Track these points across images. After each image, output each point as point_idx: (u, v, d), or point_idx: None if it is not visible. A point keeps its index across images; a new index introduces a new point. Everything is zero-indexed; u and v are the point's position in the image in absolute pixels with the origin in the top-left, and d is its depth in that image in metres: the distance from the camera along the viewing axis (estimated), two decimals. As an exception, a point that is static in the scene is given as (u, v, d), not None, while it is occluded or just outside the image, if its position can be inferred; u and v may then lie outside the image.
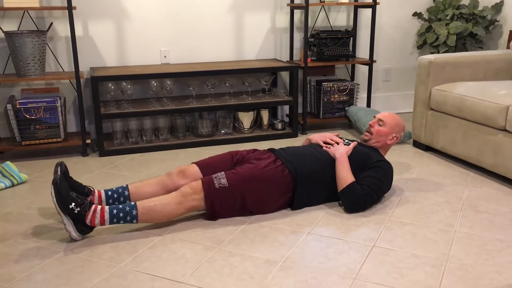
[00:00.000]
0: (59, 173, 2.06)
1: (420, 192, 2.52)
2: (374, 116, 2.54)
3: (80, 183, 2.19)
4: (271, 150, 2.44)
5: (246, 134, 3.49)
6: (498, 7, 3.85)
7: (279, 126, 3.61)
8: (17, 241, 2.03)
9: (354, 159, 2.34)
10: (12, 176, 2.68)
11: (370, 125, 2.50)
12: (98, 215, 1.97)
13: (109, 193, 2.21)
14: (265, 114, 3.57)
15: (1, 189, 2.60)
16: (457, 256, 1.90)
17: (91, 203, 2.00)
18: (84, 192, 2.16)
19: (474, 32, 3.78)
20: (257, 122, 3.59)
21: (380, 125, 2.48)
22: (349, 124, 3.93)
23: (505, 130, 2.58)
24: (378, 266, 1.83)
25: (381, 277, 1.76)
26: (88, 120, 3.47)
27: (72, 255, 1.92)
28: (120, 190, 2.22)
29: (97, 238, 2.05)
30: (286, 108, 3.93)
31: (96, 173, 2.83)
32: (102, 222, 1.98)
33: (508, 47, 3.60)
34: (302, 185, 2.28)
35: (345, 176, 2.27)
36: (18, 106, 2.96)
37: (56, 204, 1.94)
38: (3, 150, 3.06)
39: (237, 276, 1.77)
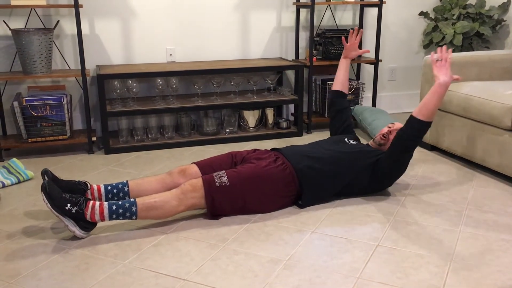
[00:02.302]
0: (46, 179, 2.07)
1: (425, 192, 2.52)
2: (392, 124, 2.55)
3: (74, 181, 2.18)
4: (275, 149, 2.45)
5: (251, 132, 3.50)
6: (505, 7, 3.83)
7: (284, 125, 3.61)
8: (22, 238, 2.05)
9: (363, 160, 2.35)
10: (18, 173, 2.70)
11: (390, 131, 2.50)
12: (97, 211, 1.98)
13: (109, 188, 2.22)
14: (270, 113, 3.57)
15: (7, 186, 2.62)
16: (462, 256, 1.89)
17: (87, 199, 2.00)
18: (80, 189, 2.16)
19: (481, 31, 3.77)
20: (262, 121, 3.59)
21: None
22: (355, 123, 3.92)
23: (511, 130, 2.57)
24: (382, 265, 1.83)
25: (385, 276, 1.76)
26: (94, 118, 3.49)
27: (77, 252, 1.93)
28: (120, 186, 2.23)
29: (102, 236, 2.06)
30: (291, 107, 3.93)
31: (101, 171, 2.85)
32: (102, 218, 1.99)
33: (515, 47, 3.59)
34: (308, 184, 2.29)
35: (428, 105, 2.20)
36: (24, 104, 2.98)
37: (52, 209, 1.94)
38: (10, 147, 3.08)
39: (241, 274, 1.77)
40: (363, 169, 2.36)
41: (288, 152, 2.37)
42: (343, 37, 2.86)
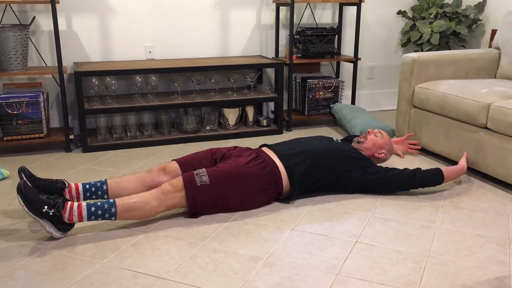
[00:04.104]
0: (24, 178, 2.03)
1: (403, 189, 2.55)
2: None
3: (51, 179, 2.15)
4: (264, 145, 2.49)
5: (231, 130, 3.49)
6: (480, 6, 3.90)
7: (264, 122, 3.61)
8: (-2, 238, 2.01)
9: (348, 158, 2.41)
10: (-6, 172, 2.64)
11: (368, 132, 2.63)
12: (75, 213, 1.94)
13: (87, 186, 2.19)
14: (250, 111, 3.58)
15: (-18, 185, 2.57)
16: (438, 252, 1.93)
17: (65, 199, 1.96)
18: (57, 187, 2.13)
19: (457, 31, 3.83)
20: (242, 119, 3.59)
21: (376, 135, 2.61)
22: (334, 121, 3.95)
23: (486, 128, 2.62)
24: (360, 262, 1.85)
25: (363, 273, 1.77)
26: (72, 116, 3.44)
27: (54, 252, 1.90)
28: (98, 184, 2.21)
29: (80, 236, 2.03)
30: (272, 105, 3.94)
31: (79, 169, 2.81)
32: (80, 219, 1.96)
33: (490, 46, 3.65)
34: (297, 179, 2.31)
35: (451, 176, 2.52)
36: (-1, 101, 2.92)
37: (28, 212, 1.89)
38: (-16, 145, 3.02)
39: (221, 272, 1.77)
40: (349, 165, 2.39)
41: (277, 148, 2.39)
42: (406, 137, 3.07)
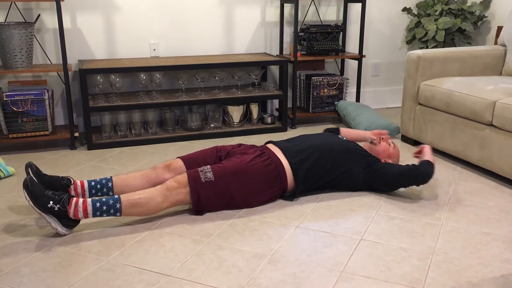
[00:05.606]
0: (30, 174, 2.04)
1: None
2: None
3: (57, 176, 2.16)
4: (270, 142, 2.49)
5: (235, 128, 3.49)
6: (486, 3, 3.88)
7: (269, 120, 3.61)
8: (4, 235, 2.02)
9: (354, 155, 2.40)
10: (-1, 169, 2.66)
11: (383, 137, 2.61)
12: (80, 209, 1.95)
13: (92, 183, 2.20)
14: (254, 108, 3.57)
15: (-12, 182, 2.58)
16: (443, 249, 1.92)
17: (70, 195, 1.97)
18: (63, 184, 2.14)
19: (463, 27, 3.81)
20: (246, 116, 3.59)
21: (389, 144, 2.60)
22: (338, 119, 3.94)
23: (492, 125, 2.61)
24: (365, 259, 1.84)
25: (368, 270, 1.77)
26: (76, 113, 3.45)
27: (59, 248, 1.91)
28: (103, 182, 2.21)
29: (85, 232, 2.04)
30: (276, 102, 3.94)
31: (84, 167, 2.82)
32: (86, 215, 1.97)
33: (496, 43, 3.63)
34: (302, 176, 2.31)
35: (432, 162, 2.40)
36: (5, 99, 2.93)
37: (34, 207, 1.91)
38: (-10, 143, 3.03)
39: (225, 269, 1.77)
40: (353, 161, 2.39)
41: (283, 145, 2.39)
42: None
